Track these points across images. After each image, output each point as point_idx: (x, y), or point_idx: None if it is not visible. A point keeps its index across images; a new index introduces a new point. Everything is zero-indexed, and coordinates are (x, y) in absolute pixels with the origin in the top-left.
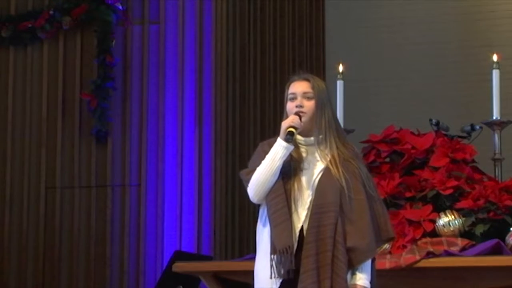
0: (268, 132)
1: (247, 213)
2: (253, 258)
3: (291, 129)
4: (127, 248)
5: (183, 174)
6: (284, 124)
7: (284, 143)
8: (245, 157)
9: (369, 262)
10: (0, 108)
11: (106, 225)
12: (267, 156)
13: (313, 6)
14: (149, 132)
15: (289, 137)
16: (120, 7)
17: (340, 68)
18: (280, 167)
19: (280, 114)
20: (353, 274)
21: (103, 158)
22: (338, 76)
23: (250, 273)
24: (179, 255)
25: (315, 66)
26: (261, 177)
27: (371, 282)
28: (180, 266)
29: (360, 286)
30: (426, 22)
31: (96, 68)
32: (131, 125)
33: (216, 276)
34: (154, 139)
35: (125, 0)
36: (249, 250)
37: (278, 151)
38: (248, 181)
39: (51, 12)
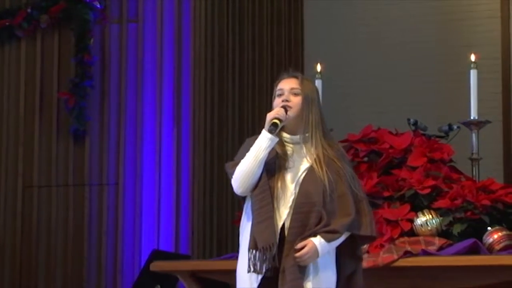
0: (247, 131)
1: (225, 212)
2: (231, 258)
3: (275, 120)
4: (105, 247)
5: (161, 173)
6: (269, 115)
7: (268, 135)
8: (223, 156)
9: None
10: None
11: (84, 224)
12: (252, 148)
13: (291, 6)
14: (127, 131)
15: (273, 128)
16: (98, 6)
17: (318, 67)
18: (265, 158)
19: (259, 113)
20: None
21: (81, 157)
22: (317, 75)
23: (228, 273)
24: (157, 254)
25: (293, 66)
26: (245, 168)
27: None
28: (158, 265)
29: (312, 242)
30: (404, 22)
31: (74, 67)
32: (109, 124)
33: (194, 275)
34: (132, 138)
35: None
36: (227, 249)
37: (263, 142)
38: (232, 173)
39: (29, 10)
